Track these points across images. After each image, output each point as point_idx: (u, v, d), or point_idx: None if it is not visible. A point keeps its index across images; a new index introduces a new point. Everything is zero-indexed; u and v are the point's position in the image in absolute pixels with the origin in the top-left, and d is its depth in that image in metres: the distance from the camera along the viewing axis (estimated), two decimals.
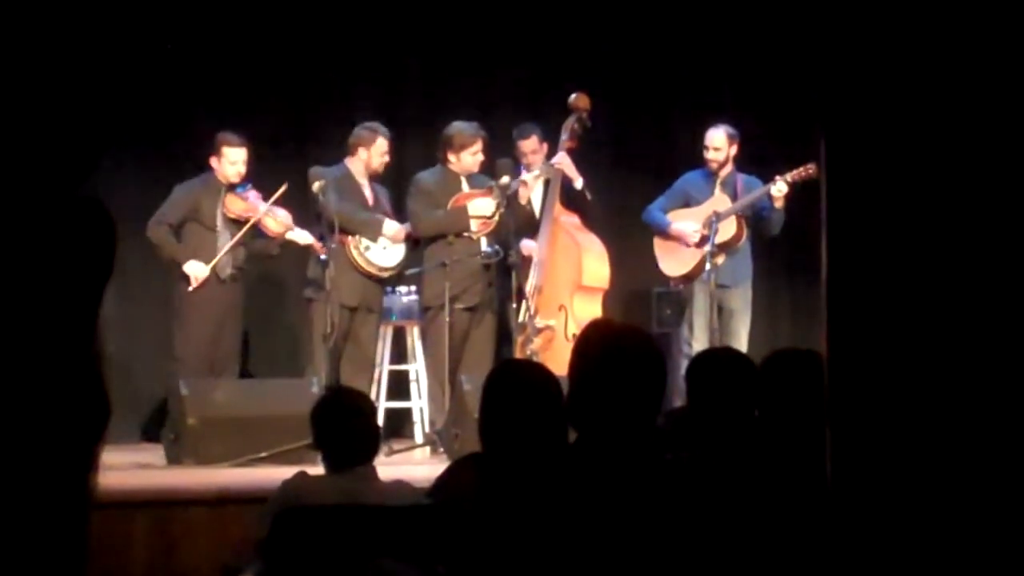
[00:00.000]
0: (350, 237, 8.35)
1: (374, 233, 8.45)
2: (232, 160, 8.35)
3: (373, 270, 8.46)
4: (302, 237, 8.37)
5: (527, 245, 8.49)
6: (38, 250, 2.92)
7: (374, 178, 8.61)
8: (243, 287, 8.51)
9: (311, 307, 8.44)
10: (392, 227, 8.53)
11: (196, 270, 8.25)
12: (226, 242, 8.28)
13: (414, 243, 8.59)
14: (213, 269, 8.25)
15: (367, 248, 8.43)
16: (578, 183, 8.62)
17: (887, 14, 2.19)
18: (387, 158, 8.54)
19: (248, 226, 8.29)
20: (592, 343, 3.25)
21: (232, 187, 8.36)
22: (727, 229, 8.52)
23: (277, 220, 8.36)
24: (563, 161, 8.60)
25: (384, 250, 8.50)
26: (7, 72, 3.08)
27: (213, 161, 8.38)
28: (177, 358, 8.34)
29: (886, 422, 2.15)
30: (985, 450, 2.13)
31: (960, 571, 2.12)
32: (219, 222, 8.34)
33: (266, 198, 8.36)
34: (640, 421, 3.16)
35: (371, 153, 8.49)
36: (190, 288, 8.25)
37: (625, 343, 3.22)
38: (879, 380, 2.16)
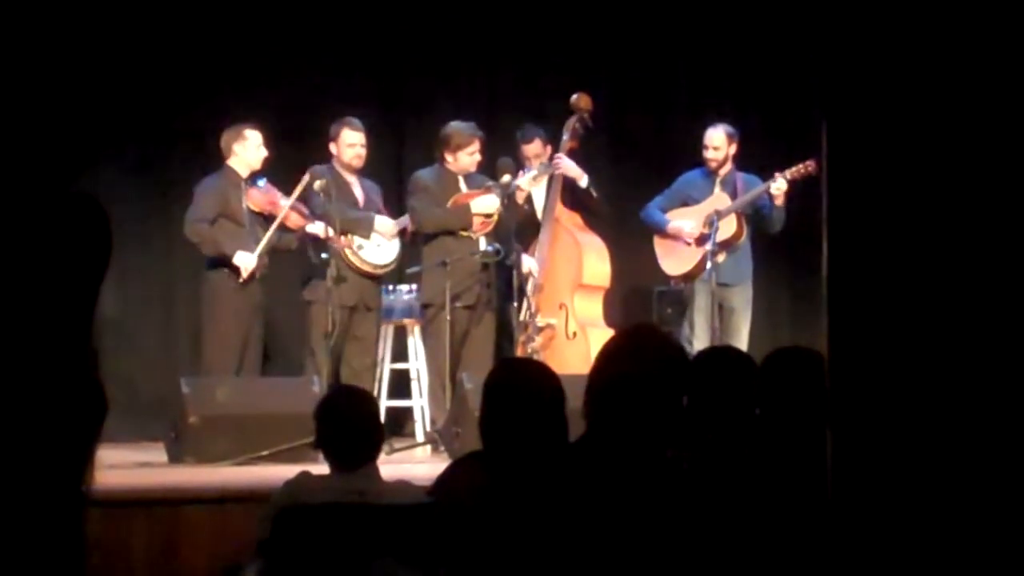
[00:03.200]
0: (343, 237, 8.33)
1: (366, 231, 8.44)
2: (256, 143, 8.32)
3: (368, 268, 8.45)
4: (321, 230, 8.31)
5: (527, 262, 8.49)
6: (32, 246, 2.92)
7: (359, 173, 8.58)
8: (263, 285, 8.45)
9: (311, 309, 8.42)
10: (384, 223, 8.52)
11: (245, 261, 8.17)
12: (255, 235, 8.24)
13: (411, 237, 8.58)
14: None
15: (360, 247, 8.42)
16: (583, 181, 8.64)
17: (889, 8, 2.19)
18: (359, 149, 8.47)
19: (279, 220, 8.24)
20: (635, 347, 3.27)
21: (252, 180, 8.35)
22: (727, 227, 8.52)
23: (298, 213, 8.36)
24: (563, 164, 8.59)
25: (378, 247, 8.49)
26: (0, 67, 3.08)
27: (237, 148, 8.30)
28: (204, 359, 8.32)
29: (887, 421, 2.15)
30: (987, 450, 2.13)
31: (961, 572, 2.12)
32: (246, 217, 8.33)
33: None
34: (654, 426, 3.18)
35: (340, 146, 8.47)
36: (241, 280, 8.18)
37: (667, 355, 3.26)
38: (880, 379, 2.16)
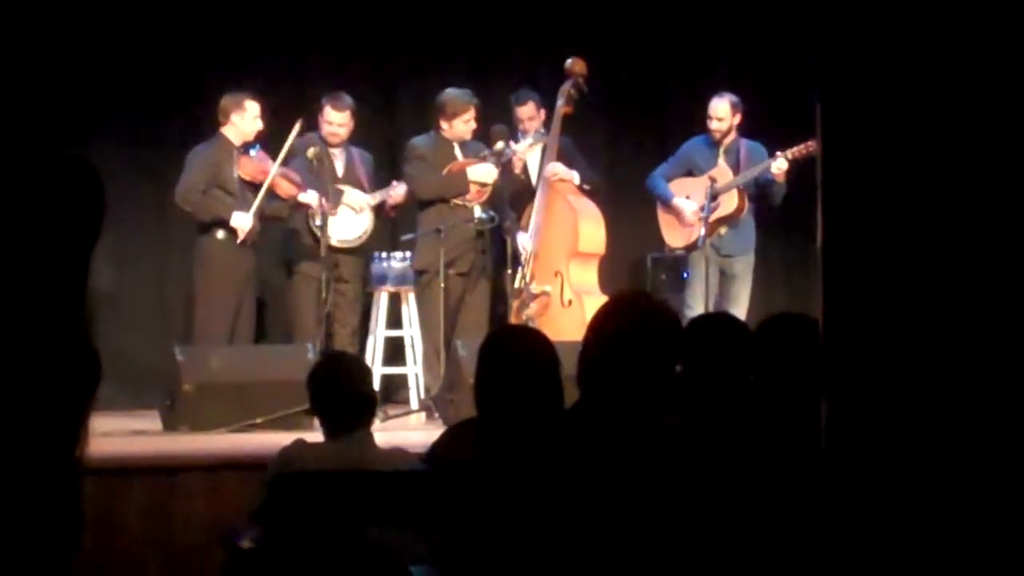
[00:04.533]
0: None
1: (332, 204, 8.42)
2: (255, 114, 8.32)
3: (328, 242, 8.40)
4: (313, 199, 8.34)
5: (521, 240, 8.48)
6: (23, 209, 2.91)
7: (350, 143, 8.59)
8: (255, 253, 8.44)
9: (297, 278, 8.44)
10: (356, 196, 8.50)
11: (242, 222, 8.17)
12: (246, 203, 8.22)
13: (392, 211, 8.57)
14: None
15: (319, 224, 8.36)
16: (575, 180, 8.64)
17: None
18: (335, 128, 8.50)
19: (266, 187, 8.24)
20: (628, 313, 3.27)
21: (244, 149, 8.34)
22: (729, 203, 8.52)
23: (289, 181, 8.35)
24: (556, 170, 8.59)
25: (344, 222, 8.46)
26: None
27: (235, 117, 8.31)
28: (196, 325, 8.31)
29: (880, 387, 2.16)
30: (980, 416, 2.13)
31: (953, 543, 2.12)
32: (236, 185, 8.30)
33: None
34: (648, 392, 3.18)
35: (320, 120, 8.52)
36: (239, 240, 8.17)
37: (660, 321, 3.26)
38: (874, 345, 2.16)
